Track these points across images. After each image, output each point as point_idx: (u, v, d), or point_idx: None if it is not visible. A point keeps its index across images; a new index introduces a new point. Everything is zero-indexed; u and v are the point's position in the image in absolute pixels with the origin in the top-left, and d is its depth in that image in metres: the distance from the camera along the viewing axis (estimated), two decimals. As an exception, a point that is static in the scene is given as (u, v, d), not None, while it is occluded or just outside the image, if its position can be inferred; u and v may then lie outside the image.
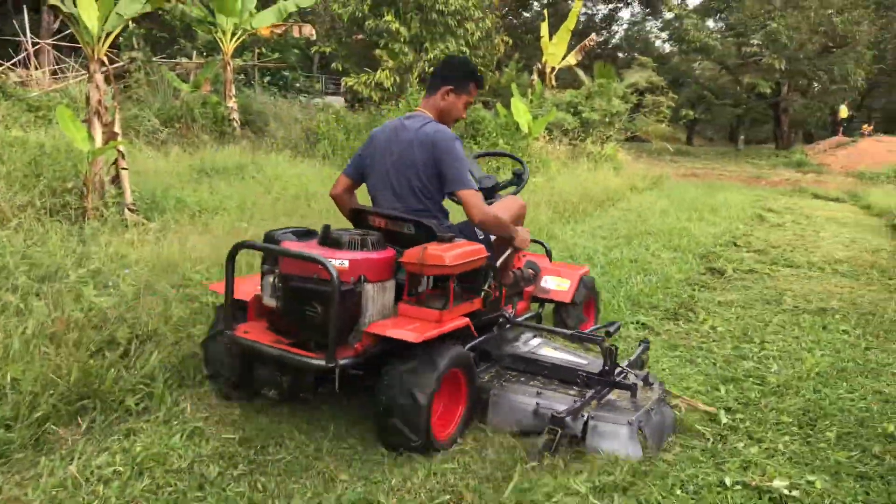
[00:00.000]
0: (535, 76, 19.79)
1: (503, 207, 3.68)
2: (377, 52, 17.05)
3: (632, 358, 3.66)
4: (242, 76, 17.06)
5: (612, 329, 3.74)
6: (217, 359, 3.33)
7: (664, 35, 43.55)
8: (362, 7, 15.31)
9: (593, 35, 22.13)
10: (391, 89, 15.67)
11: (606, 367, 3.38)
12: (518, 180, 4.32)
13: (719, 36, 30.25)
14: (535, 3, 40.87)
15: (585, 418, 3.06)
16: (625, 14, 44.70)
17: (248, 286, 3.32)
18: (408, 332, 2.91)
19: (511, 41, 18.70)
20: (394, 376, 2.92)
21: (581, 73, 21.65)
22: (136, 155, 8.78)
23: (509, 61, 24.41)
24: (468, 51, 15.85)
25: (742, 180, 19.73)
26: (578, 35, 27.28)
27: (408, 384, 2.87)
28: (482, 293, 3.39)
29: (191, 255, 4.94)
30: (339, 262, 2.92)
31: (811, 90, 31.55)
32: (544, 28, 19.62)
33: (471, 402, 3.24)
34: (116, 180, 6.29)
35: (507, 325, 3.78)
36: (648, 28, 44.58)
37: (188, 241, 5.29)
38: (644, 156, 23.62)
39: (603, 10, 43.31)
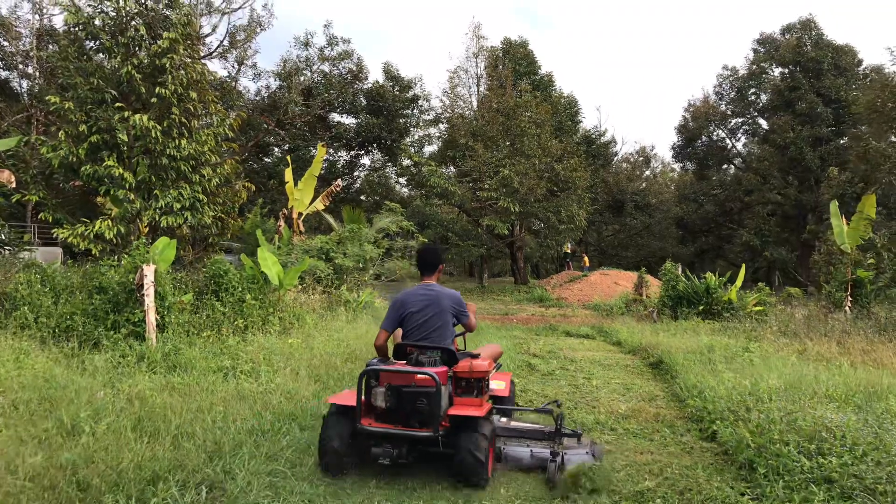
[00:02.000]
0: (281, 222, 18.77)
1: (490, 350, 6.41)
2: (99, 199, 14.93)
3: (561, 422, 5.67)
4: (-83, 229, 13.90)
5: (558, 402, 6.14)
6: (333, 440, 5.08)
7: (403, 181, 45.53)
8: (77, 151, 13.29)
9: (339, 181, 21.80)
10: (114, 240, 13.53)
11: (558, 426, 5.64)
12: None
13: (457, 182, 31.88)
14: (276, 149, 40.66)
15: (561, 454, 5.27)
16: (366, 160, 45.97)
17: (348, 398, 5.28)
18: (474, 411, 5.12)
19: (254, 187, 17.65)
20: (470, 439, 4.94)
21: (330, 218, 21.10)
22: None
23: (253, 207, 23.24)
24: (205, 198, 14.35)
25: (495, 318, 19.96)
26: (322, 180, 27.06)
27: (479, 442, 4.93)
28: (487, 390, 5.61)
29: None
30: (428, 374, 5.00)
31: (542, 229, 34.17)
32: (289, 174, 18.87)
33: (496, 452, 5.46)
34: None
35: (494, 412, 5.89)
36: (388, 173, 46.32)
37: None
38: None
39: (345, 156, 44.26)
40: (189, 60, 14.92)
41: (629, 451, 6.00)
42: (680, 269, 18.82)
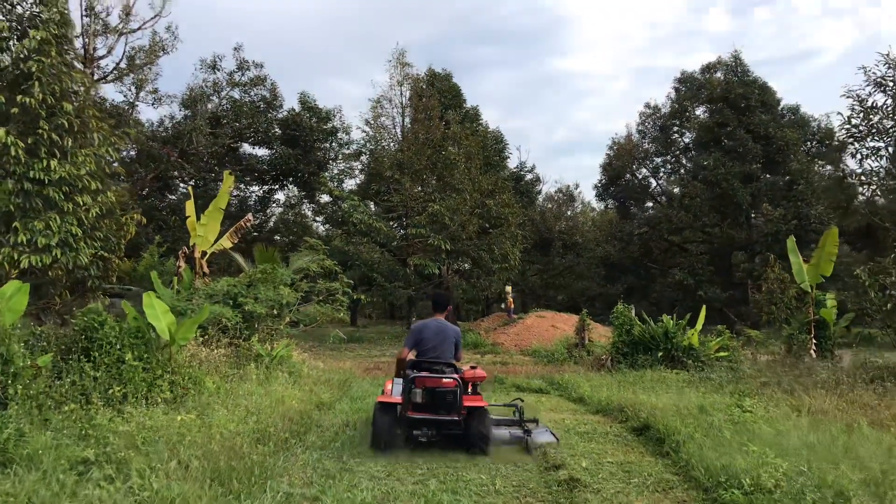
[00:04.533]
0: (181, 262, 16.09)
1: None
2: (-52, 234, 12.06)
3: (522, 413, 8.90)
4: None
5: (521, 400, 9.62)
6: (382, 426, 7.50)
7: (320, 219, 42.89)
8: (-87, 172, 10.54)
9: (249, 215, 19.31)
10: (-41, 286, 10.70)
11: (521, 416, 8.80)
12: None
13: (382, 218, 29.71)
14: (181, 185, 37.42)
15: (530, 432, 8.28)
16: (280, 196, 43.12)
17: (391, 398, 7.79)
18: (481, 403, 7.79)
19: (145, 220, 15.03)
20: (478, 421, 7.61)
21: (239, 257, 18.53)
22: None
23: (150, 245, 20.40)
24: (81, 232, 11.69)
25: (428, 369, 17.76)
26: (230, 217, 24.37)
27: (486, 423, 7.71)
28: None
29: None
30: (452, 378, 7.73)
31: (471, 269, 32.26)
32: (190, 206, 16.34)
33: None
34: None
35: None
36: (304, 211, 43.69)
37: None
38: (316, 345, 20.84)
39: (257, 191, 41.41)
40: (64, 67, 12.37)
41: None
42: (633, 311, 17.16)
